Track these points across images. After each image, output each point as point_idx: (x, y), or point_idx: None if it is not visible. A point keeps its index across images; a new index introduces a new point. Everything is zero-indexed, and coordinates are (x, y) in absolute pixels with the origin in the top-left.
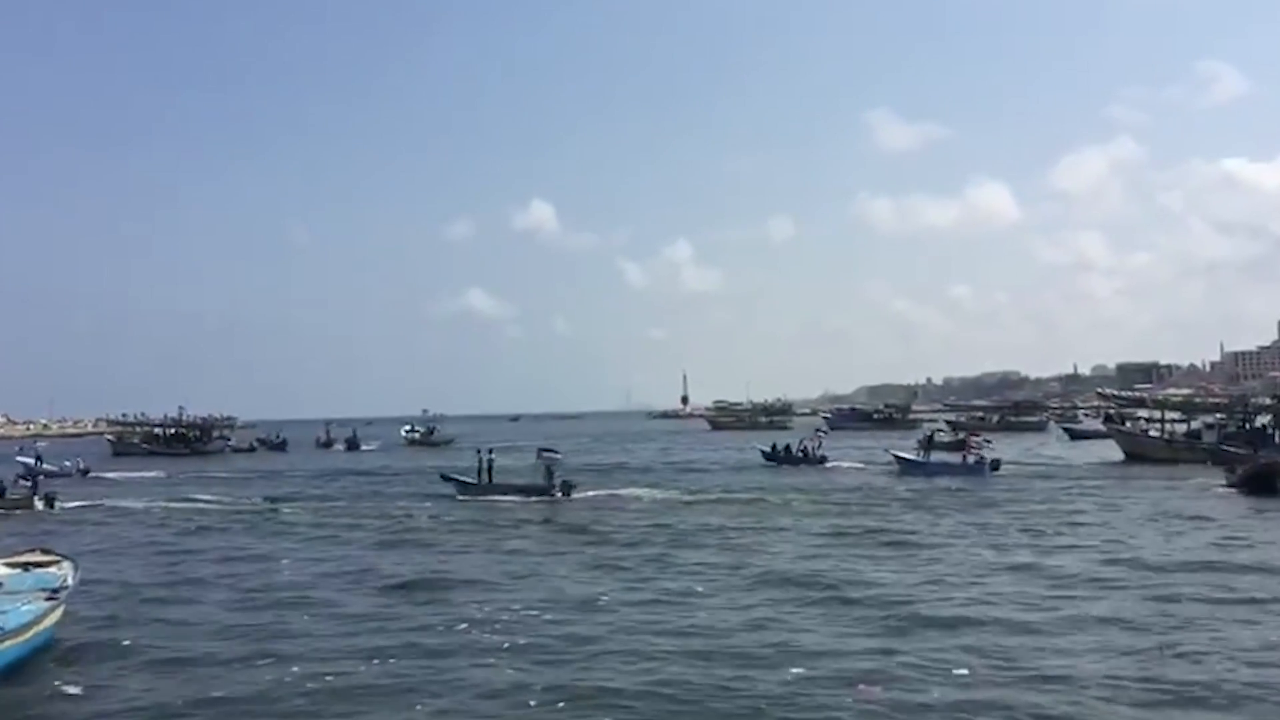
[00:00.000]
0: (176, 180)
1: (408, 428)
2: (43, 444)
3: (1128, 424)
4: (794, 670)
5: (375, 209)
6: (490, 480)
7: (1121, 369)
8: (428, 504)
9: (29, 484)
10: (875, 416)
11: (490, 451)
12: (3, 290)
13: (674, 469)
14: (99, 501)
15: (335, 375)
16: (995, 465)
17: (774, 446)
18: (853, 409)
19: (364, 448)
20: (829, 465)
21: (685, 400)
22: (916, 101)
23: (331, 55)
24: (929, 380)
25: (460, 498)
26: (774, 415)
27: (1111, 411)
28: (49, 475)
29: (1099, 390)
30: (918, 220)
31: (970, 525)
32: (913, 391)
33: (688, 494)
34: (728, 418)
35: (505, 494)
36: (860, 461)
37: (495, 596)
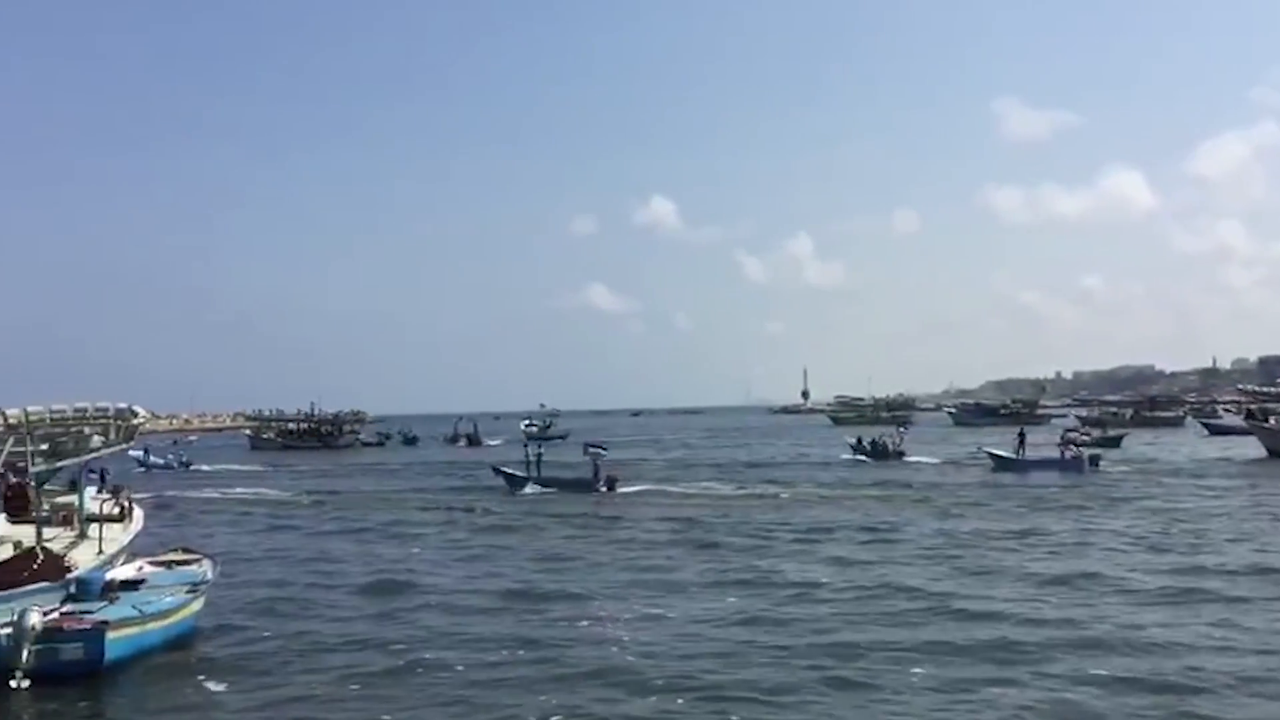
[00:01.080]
0: (308, 182)
1: (526, 422)
2: (193, 438)
3: (1271, 420)
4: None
5: (500, 206)
6: (539, 475)
7: (1263, 362)
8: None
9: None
10: (1002, 412)
11: (540, 447)
12: (146, 288)
13: (758, 464)
14: (184, 494)
15: (463, 370)
16: (1095, 461)
17: (859, 440)
18: (978, 404)
19: (488, 443)
20: (908, 460)
21: (806, 395)
22: (1046, 88)
23: (452, 55)
24: (1058, 374)
25: (511, 491)
26: (896, 410)
27: (1253, 407)
28: (154, 468)
29: (1239, 385)
30: (1047, 210)
31: (1079, 526)
32: (1041, 386)
33: (746, 489)
34: (849, 413)
35: (551, 487)
36: (944, 458)
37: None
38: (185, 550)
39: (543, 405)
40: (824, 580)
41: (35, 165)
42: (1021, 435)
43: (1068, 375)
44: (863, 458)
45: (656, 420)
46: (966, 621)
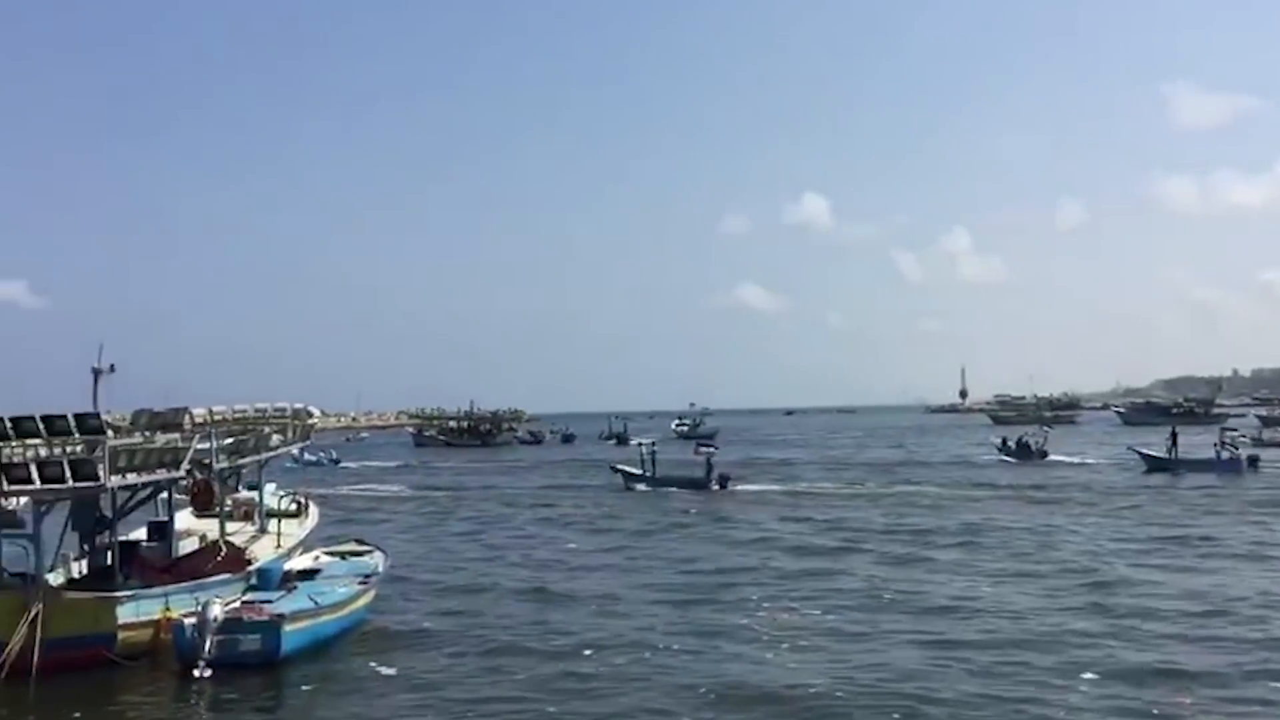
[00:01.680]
0: (467, 189)
1: (677, 421)
2: (364, 435)
3: None
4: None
5: (653, 207)
6: (654, 473)
7: None
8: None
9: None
10: (1174, 411)
11: (653, 444)
12: (314, 290)
13: (901, 464)
14: (336, 490)
15: (618, 370)
16: (1254, 462)
17: (1004, 440)
18: (1148, 403)
19: (636, 441)
20: (1052, 460)
21: (964, 394)
22: (1221, 71)
23: (601, 51)
24: (1234, 372)
25: (630, 488)
26: (1060, 409)
27: None
28: (306, 464)
29: None
30: (1223, 199)
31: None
32: (1217, 384)
33: (885, 488)
34: (1009, 412)
35: (667, 485)
36: (1093, 458)
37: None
38: (359, 542)
39: (692, 405)
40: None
41: (213, 170)
42: (1174, 435)
43: (1245, 373)
44: (1008, 458)
45: (808, 419)
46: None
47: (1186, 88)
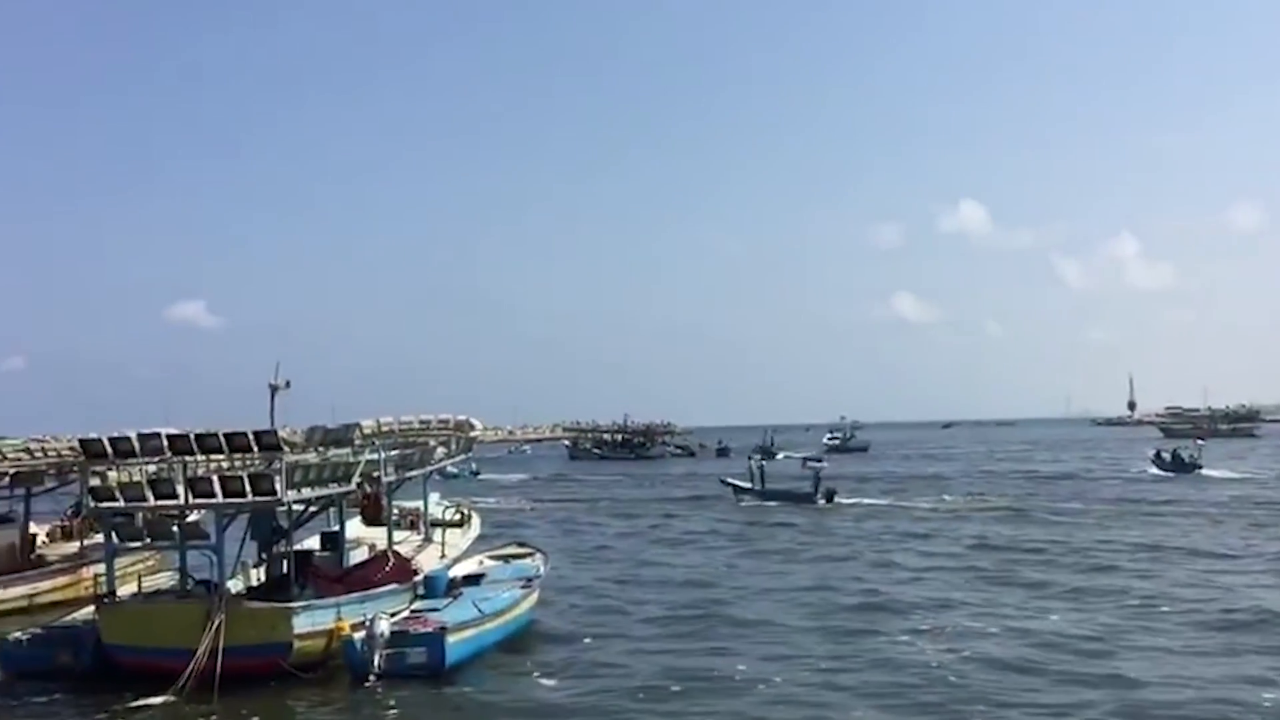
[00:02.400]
0: (623, 199)
1: (829, 434)
2: (527, 448)
3: None
4: None
5: (803, 218)
6: (762, 486)
7: None
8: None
9: None
10: None
11: (762, 458)
12: (472, 305)
13: (1050, 478)
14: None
15: (771, 382)
16: None
17: (1158, 453)
18: None
19: (783, 454)
20: (1204, 475)
21: (1132, 406)
22: None
23: (752, 60)
24: None
25: (739, 501)
26: (1238, 421)
27: None
28: (447, 476)
29: None
30: None
31: None
32: None
33: (1018, 503)
34: (1183, 424)
35: (775, 499)
36: (1248, 473)
37: None
38: (519, 544)
39: (843, 418)
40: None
41: (379, 192)
42: None
43: None
44: (1161, 471)
45: (964, 432)
46: None
47: None
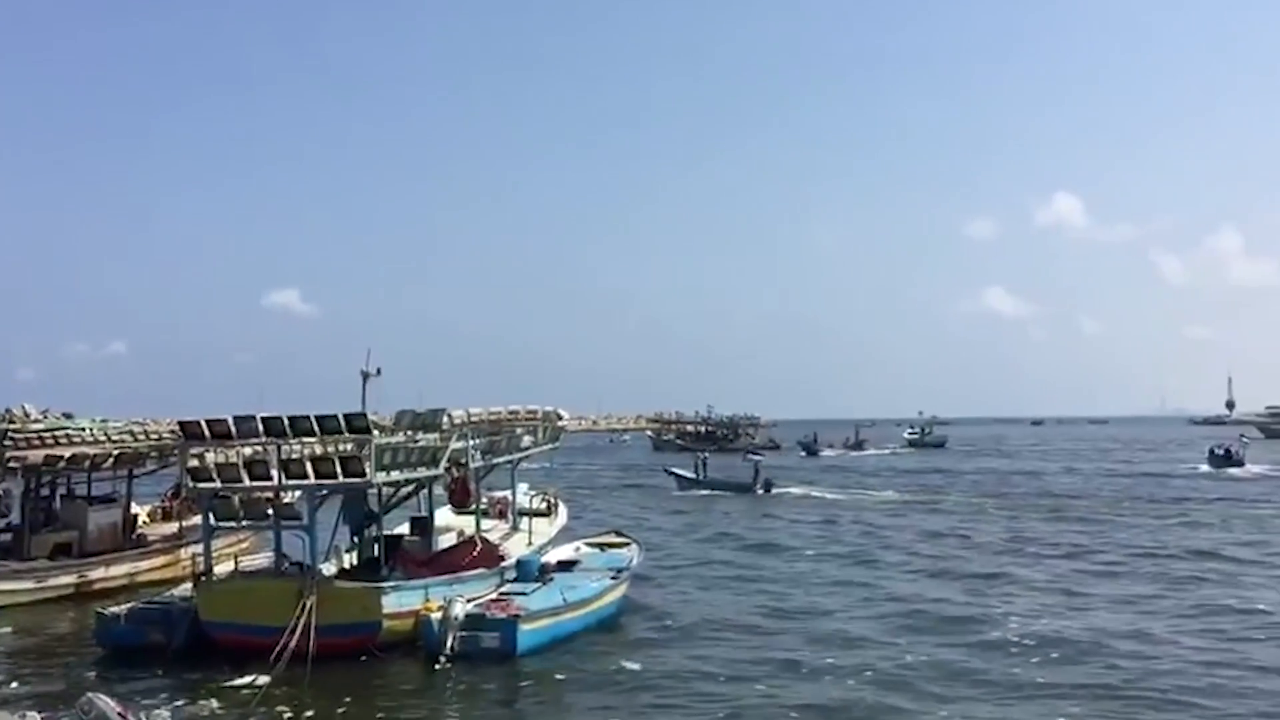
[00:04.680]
0: (716, 189)
1: (909, 429)
2: (626, 437)
3: None
4: None
5: (895, 210)
6: (705, 477)
7: None
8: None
9: None
10: None
11: (705, 455)
12: (558, 294)
13: (1120, 474)
14: None
15: (860, 376)
16: None
17: (1212, 450)
18: None
19: (871, 450)
20: (1245, 469)
21: (1231, 405)
22: None
23: (839, 53)
24: None
25: (676, 492)
26: None
27: None
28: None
29: None
30: None
31: None
32: None
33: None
34: None
35: (715, 489)
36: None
37: None
38: (618, 534)
39: (920, 413)
40: None
41: (467, 185)
42: None
43: None
44: (1212, 468)
45: (1052, 430)
46: None
47: None
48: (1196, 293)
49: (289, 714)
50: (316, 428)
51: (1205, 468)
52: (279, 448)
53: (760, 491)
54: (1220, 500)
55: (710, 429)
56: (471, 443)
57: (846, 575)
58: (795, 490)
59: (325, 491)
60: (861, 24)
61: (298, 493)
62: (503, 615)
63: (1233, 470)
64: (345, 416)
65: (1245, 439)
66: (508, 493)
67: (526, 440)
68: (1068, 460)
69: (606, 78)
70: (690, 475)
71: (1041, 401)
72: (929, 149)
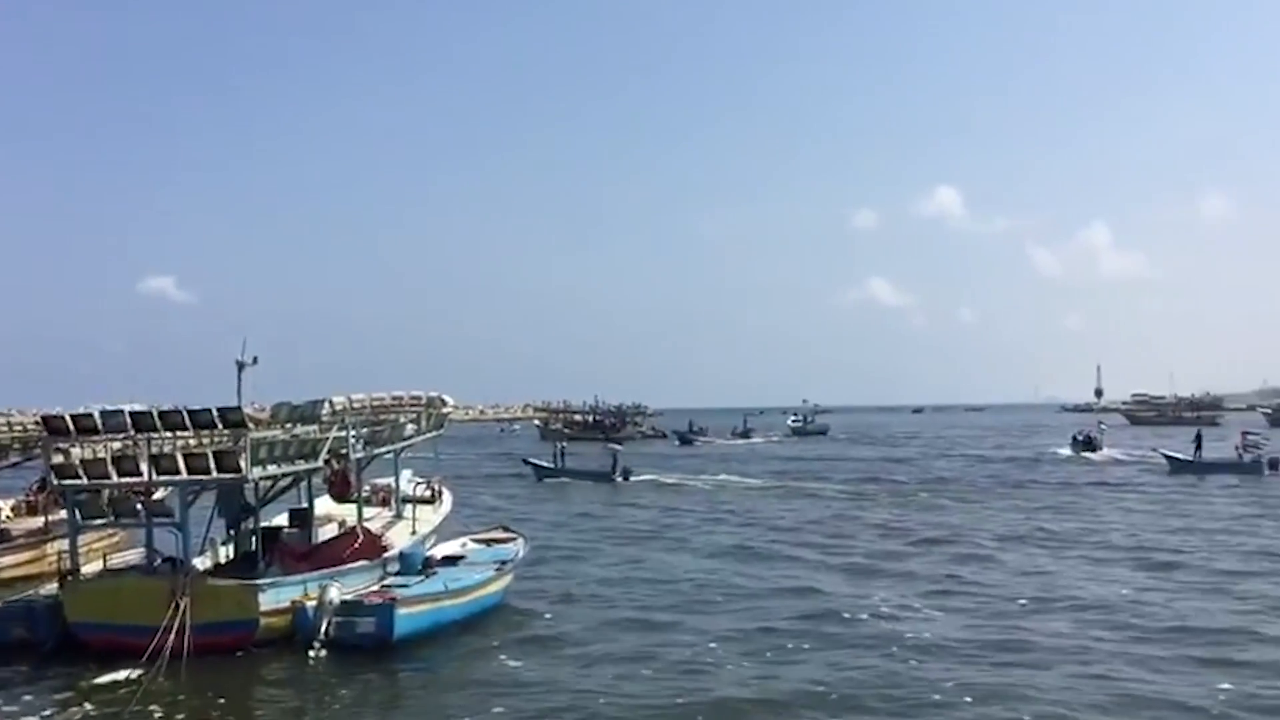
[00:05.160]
0: (608, 186)
1: (792, 417)
2: (517, 427)
3: None
4: None
5: (784, 201)
6: (563, 466)
7: None
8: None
9: None
10: None
11: (563, 443)
12: (444, 283)
13: (958, 456)
14: None
15: (749, 365)
16: (1275, 465)
17: (1075, 438)
18: None
19: (759, 439)
20: (1100, 455)
21: (1099, 393)
22: None
23: (737, 52)
24: None
25: (540, 480)
26: (1201, 409)
27: None
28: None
29: None
30: None
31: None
32: None
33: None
34: (1148, 412)
35: (574, 477)
36: (1131, 456)
37: None
38: (504, 529)
39: (804, 401)
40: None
41: (348, 167)
42: (1198, 437)
43: None
44: (1073, 452)
45: (932, 417)
46: None
47: None
48: (1068, 285)
49: (164, 712)
50: (189, 422)
51: (1066, 452)
52: (149, 442)
53: (619, 479)
54: (1064, 485)
55: (598, 418)
56: (353, 432)
57: (689, 563)
58: (667, 479)
59: (199, 487)
60: (748, 17)
61: (170, 488)
62: (378, 601)
63: (1090, 455)
64: (219, 410)
65: (1104, 425)
66: (391, 480)
67: (410, 429)
68: (922, 447)
69: (488, 60)
70: (548, 465)
71: (922, 389)
72: (816, 141)
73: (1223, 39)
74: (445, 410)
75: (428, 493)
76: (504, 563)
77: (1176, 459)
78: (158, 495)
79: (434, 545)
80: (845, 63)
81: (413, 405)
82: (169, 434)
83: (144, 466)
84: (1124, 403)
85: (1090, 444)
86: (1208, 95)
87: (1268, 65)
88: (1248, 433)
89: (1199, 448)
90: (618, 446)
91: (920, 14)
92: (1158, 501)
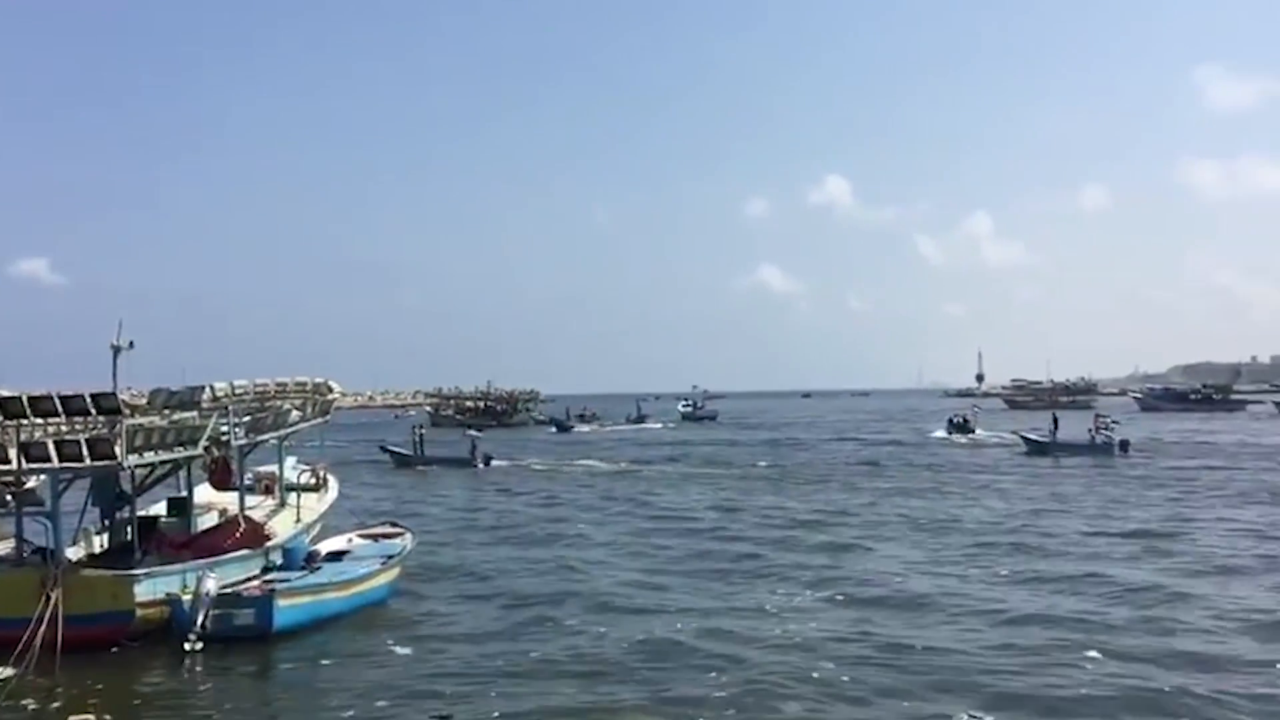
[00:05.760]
0: (488, 174)
1: (682, 403)
2: (412, 413)
3: None
4: None
5: (673, 191)
6: (422, 453)
7: None
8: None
9: None
10: (1192, 397)
11: (421, 429)
12: (334, 268)
13: (842, 439)
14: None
15: (637, 351)
16: (1125, 446)
17: (950, 420)
18: (1167, 389)
19: (655, 424)
20: (974, 437)
21: (980, 378)
22: (1254, 55)
23: (624, 39)
24: (1253, 359)
25: (397, 468)
26: (1076, 394)
27: None
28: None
29: None
30: (1252, 185)
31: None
32: (1235, 370)
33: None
34: (1025, 396)
35: (433, 464)
36: (999, 439)
37: None
38: (392, 524)
39: (695, 387)
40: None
41: (233, 152)
42: (1055, 420)
43: (1265, 360)
44: (947, 435)
45: (820, 403)
46: None
47: (1217, 72)
48: (952, 272)
49: (35, 708)
50: (60, 408)
51: (941, 434)
52: (18, 429)
53: (480, 466)
54: (930, 466)
55: (490, 404)
56: (234, 420)
57: (527, 553)
58: (537, 465)
59: (71, 475)
60: (642, 8)
61: (41, 476)
62: (257, 592)
63: (961, 437)
64: (93, 395)
65: (977, 409)
66: (274, 467)
67: (295, 415)
68: (804, 431)
69: (385, 46)
70: (406, 452)
71: (810, 375)
72: (711, 130)
73: (1089, 42)
74: (331, 397)
75: (313, 480)
76: (390, 557)
77: (1034, 440)
78: (29, 484)
79: (318, 536)
80: (740, 55)
81: (298, 391)
82: (40, 420)
83: (13, 454)
84: (1003, 387)
85: (964, 427)
86: (1086, 92)
87: (1148, 62)
88: (1100, 415)
89: (1056, 430)
90: (477, 434)
91: (810, 10)
92: (1019, 480)
